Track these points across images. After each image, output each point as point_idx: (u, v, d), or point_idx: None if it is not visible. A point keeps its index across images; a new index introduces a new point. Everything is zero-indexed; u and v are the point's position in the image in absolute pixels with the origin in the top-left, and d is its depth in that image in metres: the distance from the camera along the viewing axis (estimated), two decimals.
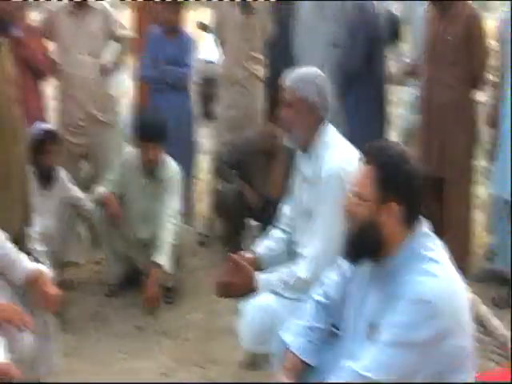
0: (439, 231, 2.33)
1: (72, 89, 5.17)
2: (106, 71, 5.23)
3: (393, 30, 5.59)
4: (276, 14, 5.30)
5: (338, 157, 2.90)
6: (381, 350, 2.08)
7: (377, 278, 2.23)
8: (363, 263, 2.25)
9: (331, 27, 5.11)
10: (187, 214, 5.09)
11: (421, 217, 2.23)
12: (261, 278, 2.97)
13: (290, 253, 3.18)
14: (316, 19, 5.05)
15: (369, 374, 2.06)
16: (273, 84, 5.21)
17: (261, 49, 5.58)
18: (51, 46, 5.00)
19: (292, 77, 3.03)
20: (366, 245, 2.18)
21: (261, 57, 5.62)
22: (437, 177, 4.61)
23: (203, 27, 8.93)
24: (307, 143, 3.01)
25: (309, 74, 3.05)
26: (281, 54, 5.07)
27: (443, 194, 4.71)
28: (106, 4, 5.33)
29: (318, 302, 2.50)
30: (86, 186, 5.33)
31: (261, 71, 5.61)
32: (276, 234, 3.30)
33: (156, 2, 5.28)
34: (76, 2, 5.07)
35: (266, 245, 3.27)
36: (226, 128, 5.65)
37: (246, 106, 5.68)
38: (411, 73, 5.37)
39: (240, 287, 2.99)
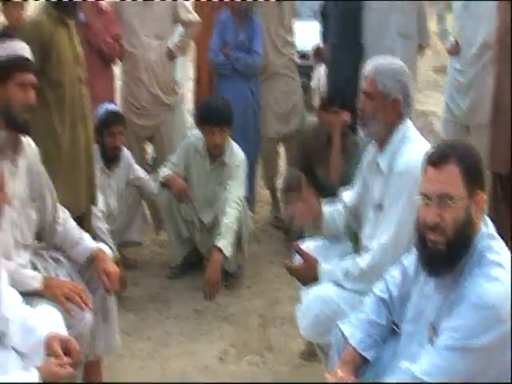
0: (506, 233, 2.25)
1: (137, 71, 5.20)
2: (171, 55, 5.27)
3: None
4: (343, 3, 5.20)
5: (415, 152, 2.80)
6: (440, 353, 2.02)
7: (441, 280, 2.17)
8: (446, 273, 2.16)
9: (401, 17, 5.02)
10: (250, 199, 5.07)
11: (487, 217, 2.17)
12: (323, 267, 2.95)
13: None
14: (385, 9, 4.96)
15: (425, 378, 2.01)
16: (337, 72, 5.16)
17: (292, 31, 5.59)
18: (118, 28, 5.03)
19: (376, 68, 2.92)
20: (463, 246, 2.11)
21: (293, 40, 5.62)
22: (506, 175, 4.44)
23: None
24: (385, 137, 2.94)
25: (395, 68, 2.93)
26: (348, 43, 5.01)
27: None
28: None
29: (379, 297, 2.44)
30: (150, 168, 5.40)
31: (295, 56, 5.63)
32: (339, 208, 3.29)
33: None
34: None
35: (330, 209, 3.27)
36: (274, 118, 5.57)
37: (290, 94, 5.61)
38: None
39: (303, 275, 3.01)
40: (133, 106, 5.24)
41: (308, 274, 2.99)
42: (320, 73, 6.66)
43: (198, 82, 6.02)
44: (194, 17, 5.34)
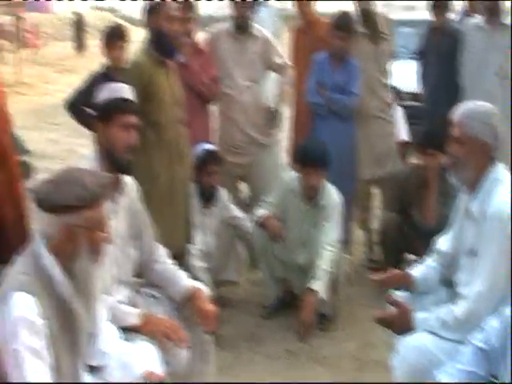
0: None
1: (232, 112, 5.30)
2: (271, 115, 5.37)
3: None
4: (438, 41, 5.16)
5: (507, 196, 2.75)
6: None
7: None
8: None
9: (499, 57, 4.93)
10: (346, 241, 5.04)
11: None
12: (418, 316, 2.90)
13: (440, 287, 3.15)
14: (485, 48, 4.89)
15: None
16: (434, 113, 5.10)
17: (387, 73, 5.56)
18: (216, 70, 5.14)
19: (465, 113, 2.89)
20: None
21: (388, 82, 5.58)
22: None
23: None
24: (476, 182, 2.88)
25: (484, 112, 2.89)
26: (445, 84, 4.95)
27: None
28: (266, 32, 5.45)
29: (477, 347, 2.37)
30: (244, 207, 5.45)
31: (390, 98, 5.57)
32: (429, 262, 3.23)
33: (329, 29, 5.28)
34: (239, 26, 5.22)
35: (420, 270, 3.22)
36: (369, 160, 5.53)
37: (385, 137, 5.58)
38: None
39: (397, 325, 2.96)
40: (228, 145, 5.32)
41: (402, 324, 2.93)
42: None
43: (295, 121, 6.08)
44: (286, 62, 5.42)
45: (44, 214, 2.34)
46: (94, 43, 30.81)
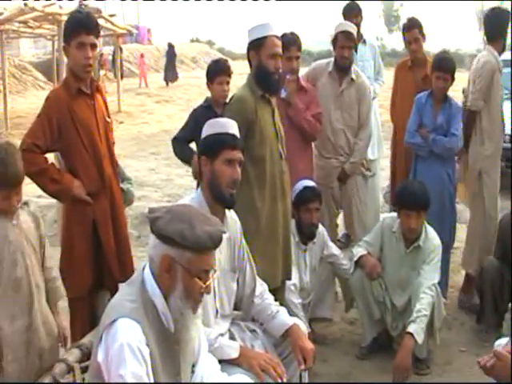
0: None
1: (326, 151, 5.40)
2: (345, 176, 5.41)
3: None
4: None
5: None
6: None
7: None
8: None
9: None
10: (443, 285, 4.95)
11: None
12: None
13: None
14: None
15: None
16: None
17: None
18: (320, 108, 5.18)
19: None
20: None
21: None
22: None
23: None
24: None
25: None
26: None
27: None
28: (364, 76, 5.51)
29: None
30: (342, 244, 5.45)
31: None
32: None
33: (431, 69, 5.27)
34: (340, 67, 5.31)
35: None
36: None
37: None
38: None
39: (497, 373, 2.88)
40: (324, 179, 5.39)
41: (504, 373, 2.85)
42: None
43: (394, 160, 6.08)
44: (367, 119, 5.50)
45: (152, 237, 2.43)
46: (190, 75, 31.75)
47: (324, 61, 5.65)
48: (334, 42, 5.33)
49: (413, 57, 5.96)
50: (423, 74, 5.80)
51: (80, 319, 3.92)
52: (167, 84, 26.96)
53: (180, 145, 5.00)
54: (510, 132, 6.65)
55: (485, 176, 5.34)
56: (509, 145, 7.27)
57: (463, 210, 6.42)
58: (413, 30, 5.85)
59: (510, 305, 4.75)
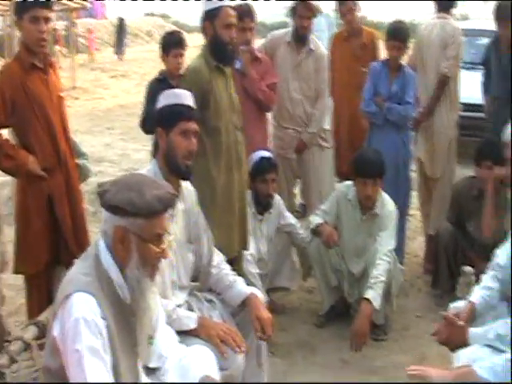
0: None
1: (284, 121, 5.45)
2: (302, 147, 5.51)
3: None
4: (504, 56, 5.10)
5: None
6: None
7: None
8: None
9: None
10: (399, 251, 5.00)
11: None
12: (472, 332, 2.88)
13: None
14: None
15: None
16: (494, 126, 5.04)
17: None
18: (275, 78, 5.15)
19: None
20: None
21: None
22: None
23: None
24: None
25: None
26: (508, 98, 4.89)
27: None
28: (322, 47, 5.54)
29: None
30: (299, 214, 5.47)
31: None
32: (489, 282, 3.17)
33: (385, 38, 5.27)
34: (298, 37, 5.31)
35: (480, 294, 3.15)
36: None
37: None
38: None
39: (453, 341, 2.94)
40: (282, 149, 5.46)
41: (457, 340, 2.91)
42: None
43: (334, 130, 6.16)
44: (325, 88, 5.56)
45: (104, 211, 2.40)
46: (145, 48, 31.38)
47: (281, 31, 5.63)
48: (294, 11, 5.30)
49: (349, 27, 6.04)
50: (360, 42, 5.87)
51: (37, 296, 3.88)
52: (119, 58, 26.71)
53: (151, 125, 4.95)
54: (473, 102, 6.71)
55: (453, 142, 5.49)
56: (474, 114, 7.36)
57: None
58: (346, 1, 5.93)
59: (462, 268, 4.82)
